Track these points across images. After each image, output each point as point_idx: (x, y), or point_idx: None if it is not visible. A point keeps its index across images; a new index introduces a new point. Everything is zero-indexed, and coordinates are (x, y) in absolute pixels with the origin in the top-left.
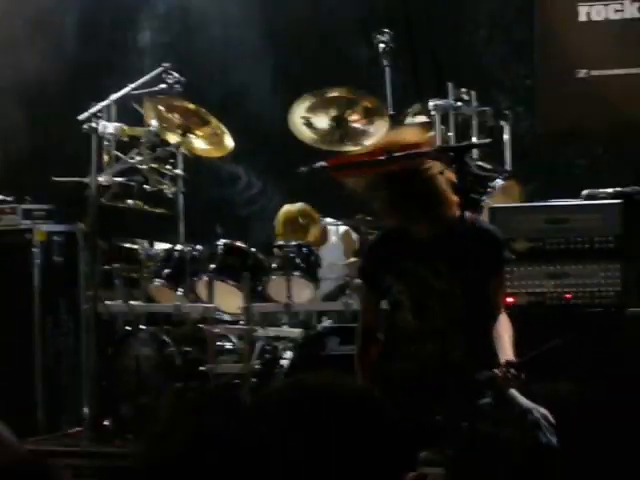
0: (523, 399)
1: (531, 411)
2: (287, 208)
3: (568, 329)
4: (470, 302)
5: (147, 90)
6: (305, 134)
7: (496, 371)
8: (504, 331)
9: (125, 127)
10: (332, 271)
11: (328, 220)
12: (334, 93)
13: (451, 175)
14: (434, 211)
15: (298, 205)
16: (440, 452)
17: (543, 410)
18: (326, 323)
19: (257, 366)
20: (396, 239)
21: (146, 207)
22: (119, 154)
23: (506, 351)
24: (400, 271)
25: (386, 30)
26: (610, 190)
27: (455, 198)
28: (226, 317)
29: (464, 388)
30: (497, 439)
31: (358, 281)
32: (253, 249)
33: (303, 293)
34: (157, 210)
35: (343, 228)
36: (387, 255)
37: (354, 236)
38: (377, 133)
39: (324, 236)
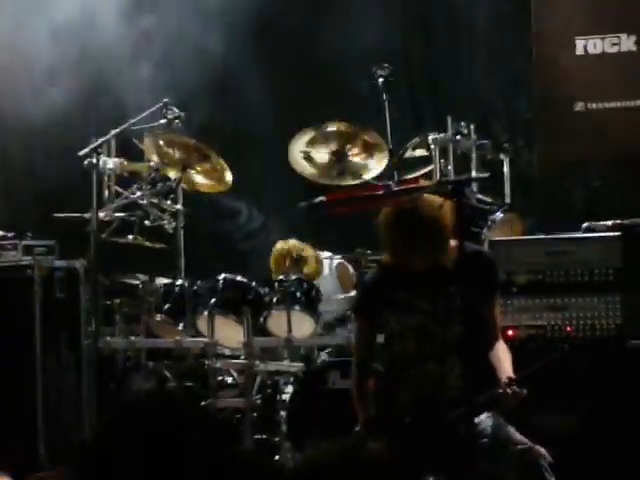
0: (521, 437)
1: (529, 450)
2: (280, 245)
3: (569, 362)
4: (469, 326)
5: (147, 125)
6: (305, 168)
7: (499, 390)
8: (504, 356)
9: (125, 162)
10: (329, 304)
11: (325, 254)
12: (334, 127)
13: (451, 208)
14: (434, 245)
15: (290, 242)
16: None
17: (541, 449)
18: (324, 356)
19: (258, 401)
20: (392, 273)
21: (146, 242)
22: (119, 189)
23: (507, 373)
24: (398, 304)
25: (385, 64)
26: (610, 223)
27: (454, 231)
28: (227, 352)
29: (463, 418)
30: (496, 478)
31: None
32: (253, 283)
33: (304, 327)
34: (157, 245)
35: (337, 260)
36: (383, 290)
37: (350, 269)
38: (377, 167)
39: (318, 269)
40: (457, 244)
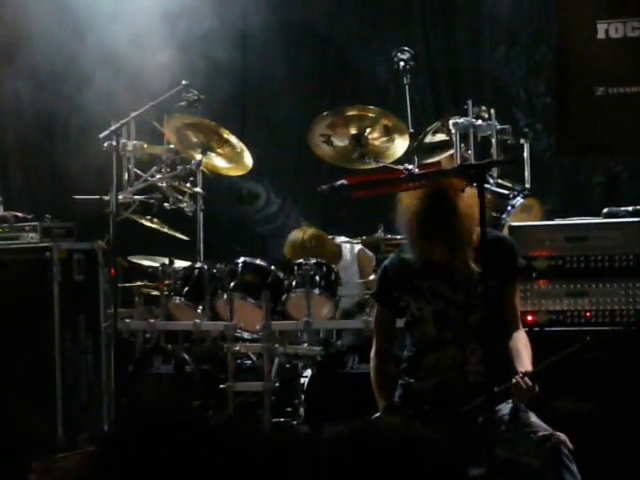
0: (542, 424)
1: (550, 437)
2: (295, 235)
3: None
4: (489, 312)
5: (167, 108)
6: (325, 152)
7: (513, 381)
8: (523, 346)
9: (145, 145)
10: (349, 289)
11: (342, 239)
12: (354, 111)
13: (472, 193)
14: (455, 231)
15: (308, 231)
16: None
17: (562, 436)
18: (343, 340)
19: (276, 384)
20: (412, 259)
21: (165, 229)
22: (139, 172)
23: (524, 364)
24: (418, 290)
25: (406, 48)
26: (630, 208)
27: (475, 216)
28: (246, 335)
29: (482, 406)
30: (516, 465)
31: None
32: (272, 267)
33: (323, 310)
34: (176, 234)
35: (358, 246)
36: (403, 275)
37: (369, 254)
38: (397, 151)
39: (337, 254)
40: (478, 230)
